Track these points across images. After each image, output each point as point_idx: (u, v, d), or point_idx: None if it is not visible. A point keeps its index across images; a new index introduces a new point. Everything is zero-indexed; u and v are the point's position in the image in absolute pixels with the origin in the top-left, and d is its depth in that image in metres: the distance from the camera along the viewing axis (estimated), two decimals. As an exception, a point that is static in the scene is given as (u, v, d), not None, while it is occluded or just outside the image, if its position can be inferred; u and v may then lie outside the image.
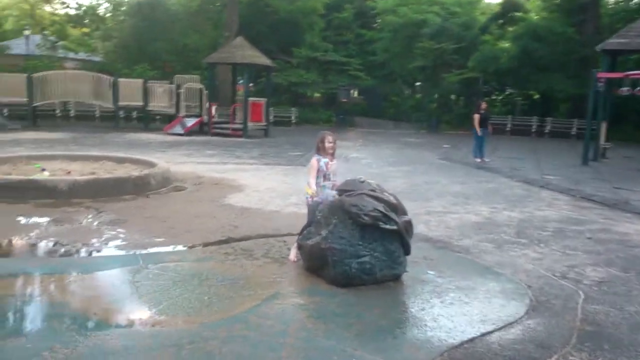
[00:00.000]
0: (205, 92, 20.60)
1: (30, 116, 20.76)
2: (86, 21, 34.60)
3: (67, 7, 33.67)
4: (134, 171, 9.66)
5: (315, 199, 5.72)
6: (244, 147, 16.72)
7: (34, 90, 20.06)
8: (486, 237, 7.24)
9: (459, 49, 27.48)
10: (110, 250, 5.99)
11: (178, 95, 20.67)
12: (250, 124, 20.35)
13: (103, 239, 6.34)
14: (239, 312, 4.48)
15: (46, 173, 9.43)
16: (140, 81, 21.58)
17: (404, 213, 5.51)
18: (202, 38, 31.27)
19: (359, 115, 30.80)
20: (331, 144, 5.85)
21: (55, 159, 11.23)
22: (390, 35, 29.92)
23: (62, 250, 5.91)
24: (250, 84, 32.48)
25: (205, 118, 20.53)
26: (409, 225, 5.40)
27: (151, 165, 10.59)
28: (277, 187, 10.37)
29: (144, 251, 5.98)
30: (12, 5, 41.92)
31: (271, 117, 27.50)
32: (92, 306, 4.47)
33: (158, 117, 22.18)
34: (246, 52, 19.93)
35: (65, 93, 20.97)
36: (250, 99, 20.97)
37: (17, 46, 31.98)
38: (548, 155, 18.19)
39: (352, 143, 20.66)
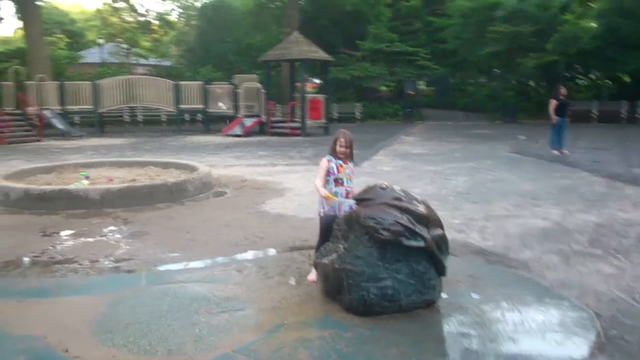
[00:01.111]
0: (262, 91, 20.16)
1: (97, 123, 21.22)
2: (156, 28, 35.38)
3: (138, 14, 34.53)
4: (170, 178, 9.22)
5: (326, 209, 4.92)
6: (299, 147, 16.11)
7: (100, 96, 20.43)
8: (552, 248, 6.12)
9: (536, 32, 25.43)
10: (116, 268, 5.47)
11: (236, 95, 20.37)
12: (309, 122, 19.72)
13: (115, 255, 5.84)
14: (228, 349, 3.77)
15: (85, 182, 9.20)
16: (200, 83, 21.50)
17: (438, 225, 4.59)
18: (266, 36, 31.07)
19: (428, 107, 29.44)
20: (343, 149, 5.04)
21: (102, 166, 11.11)
22: (461, 21, 28.28)
23: (63, 269, 5.46)
24: (316, 81, 32.03)
25: (263, 118, 20.11)
26: (442, 240, 4.48)
27: (193, 169, 10.18)
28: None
29: (154, 268, 5.43)
30: (95, 17, 43.78)
31: (334, 114, 26.86)
32: (63, 339, 3.91)
33: (226, 119, 22.00)
34: (302, 48, 19.29)
35: (128, 99, 21.25)
36: (309, 95, 20.34)
37: (92, 55, 33.18)
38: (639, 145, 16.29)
39: (415, 138, 19.57)
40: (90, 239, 6.45)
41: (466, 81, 33.05)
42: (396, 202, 4.43)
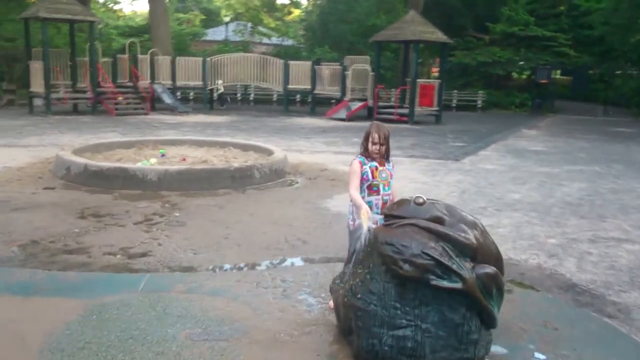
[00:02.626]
0: (371, 73, 19.04)
1: (207, 99, 21.44)
2: (281, 7, 35.42)
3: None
4: (236, 163, 8.57)
5: (357, 222, 3.84)
6: (399, 135, 14.86)
7: (211, 74, 20.55)
8: (673, 294, 4.56)
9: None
10: (124, 265, 4.84)
11: (344, 77, 19.45)
12: (418, 109, 18.31)
13: (134, 249, 5.23)
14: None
15: (153, 160, 8.86)
16: (308, 63, 20.85)
17: (493, 259, 3.37)
18: (391, 18, 29.68)
19: (562, 99, 26.47)
20: (376, 147, 3.92)
21: (183, 144, 10.83)
22: (612, 5, 24.87)
23: (67, 261, 4.93)
24: (432, 65, 30.16)
25: (370, 102, 19.01)
26: (492, 281, 3.25)
27: (271, 154, 9.49)
28: (402, 187, 8.44)
29: (162, 270, 4.74)
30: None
31: (453, 101, 25.05)
32: (2, 353, 3.30)
33: (333, 100, 21.22)
34: (417, 28, 17.82)
35: (235, 76, 21.17)
36: (420, 80, 18.89)
37: (218, 32, 33.98)
38: None
39: (538, 133, 17.43)
40: (121, 226, 5.93)
41: (611, 72, 29.26)
42: (431, 225, 3.27)
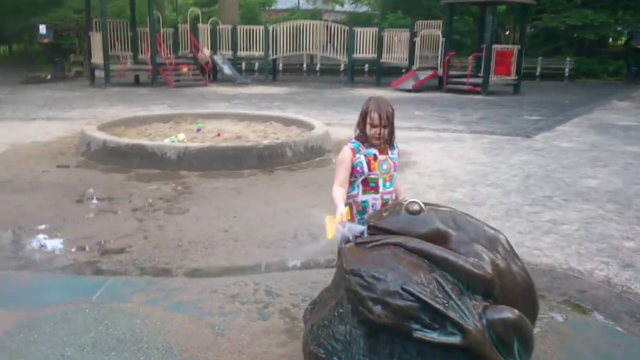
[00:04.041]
0: (442, 39, 17.48)
1: (269, 70, 20.72)
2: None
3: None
4: (265, 140, 7.73)
5: (346, 228, 2.86)
6: (468, 108, 13.45)
7: (273, 43, 19.75)
8: None
9: None
10: (89, 265, 4.14)
11: (413, 44, 18.02)
12: (493, 79, 16.64)
13: (114, 242, 4.54)
14: None
15: (181, 136, 8.20)
16: (374, 30, 19.50)
17: (521, 293, 2.34)
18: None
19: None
20: (376, 129, 2.94)
21: (224, 117, 10.14)
22: None
23: (31, 257, 4.32)
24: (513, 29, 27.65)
25: (440, 71, 17.52)
26: (510, 330, 2.20)
27: (312, 129, 8.60)
28: (456, 168, 7.32)
29: (129, 274, 4.01)
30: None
31: (537, 70, 22.89)
32: None
33: (403, 70, 19.82)
34: (494, -12, 16.07)
35: (300, 46, 20.23)
36: (497, 46, 17.12)
37: (289, 1, 33.10)
38: None
39: (632, 105, 15.34)
40: (114, 214, 5.27)
41: None
42: (423, 246, 2.27)
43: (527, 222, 5.22)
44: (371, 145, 3.02)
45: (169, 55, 18.38)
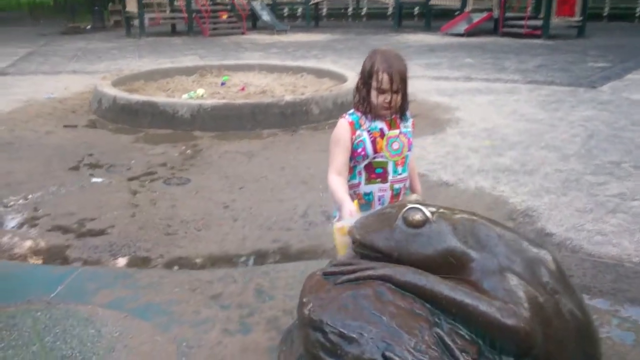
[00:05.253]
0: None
1: (311, 15, 19.58)
2: None
3: None
4: (289, 96, 6.93)
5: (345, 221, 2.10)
6: (524, 54, 12.12)
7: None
8: None
9: None
10: (62, 251, 3.58)
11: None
12: (555, 20, 15.01)
13: (96, 220, 3.96)
14: None
15: (200, 91, 7.53)
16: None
17: (571, 342, 1.55)
18: None
19: None
20: (386, 95, 2.18)
21: (252, 69, 9.39)
22: None
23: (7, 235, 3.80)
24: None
25: (495, 13, 15.98)
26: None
27: (346, 81, 7.75)
28: (505, 126, 6.36)
29: (106, 263, 3.43)
30: None
31: (604, 10, 20.78)
32: None
33: (456, 12, 18.25)
34: None
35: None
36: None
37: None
38: None
39: None
40: (108, 184, 4.70)
41: None
42: (424, 282, 1.50)
43: (588, 196, 4.31)
44: (377, 118, 2.24)
45: (204, 2, 17.54)
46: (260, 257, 3.47)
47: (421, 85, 8.70)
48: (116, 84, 7.52)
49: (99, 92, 7.05)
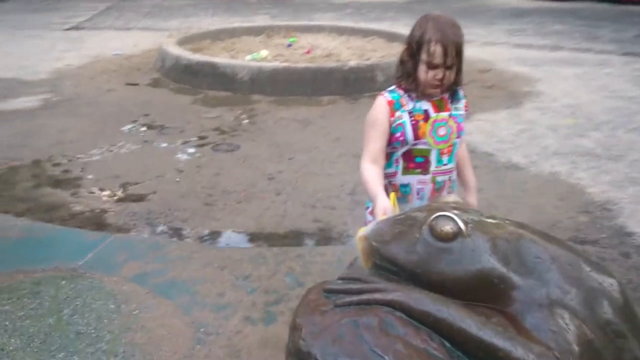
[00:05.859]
0: None
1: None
2: None
3: None
4: (354, 62, 6.55)
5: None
6: (623, 21, 10.98)
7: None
8: None
9: None
10: (96, 216, 3.49)
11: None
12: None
13: (139, 185, 3.87)
14: None
15: (264, 52, 7.29)
16: None
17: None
18: None
19: None
20: (437, 71, 1.83)
21: (322, 31, 9.02)
22: None
23: (38, 198, 3.76)
24: None
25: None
26: None
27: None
28: (592, 104, 5.74)
29: (142, 232, 3.32)
30: None
31: None
32: None
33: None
34: None
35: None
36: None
37: None
38: None
39: None
40: (158, 147, 4.60)
41: None
42: (444, 314, 1.19)
43: (681, 191, 3.76)
44: (422, 97, 1.90)
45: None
46: (297, 238, 3.24)
47: (501, 53, 8.05)
48: (182, 42, 7.41)
49: (162, 51, 6.97)
